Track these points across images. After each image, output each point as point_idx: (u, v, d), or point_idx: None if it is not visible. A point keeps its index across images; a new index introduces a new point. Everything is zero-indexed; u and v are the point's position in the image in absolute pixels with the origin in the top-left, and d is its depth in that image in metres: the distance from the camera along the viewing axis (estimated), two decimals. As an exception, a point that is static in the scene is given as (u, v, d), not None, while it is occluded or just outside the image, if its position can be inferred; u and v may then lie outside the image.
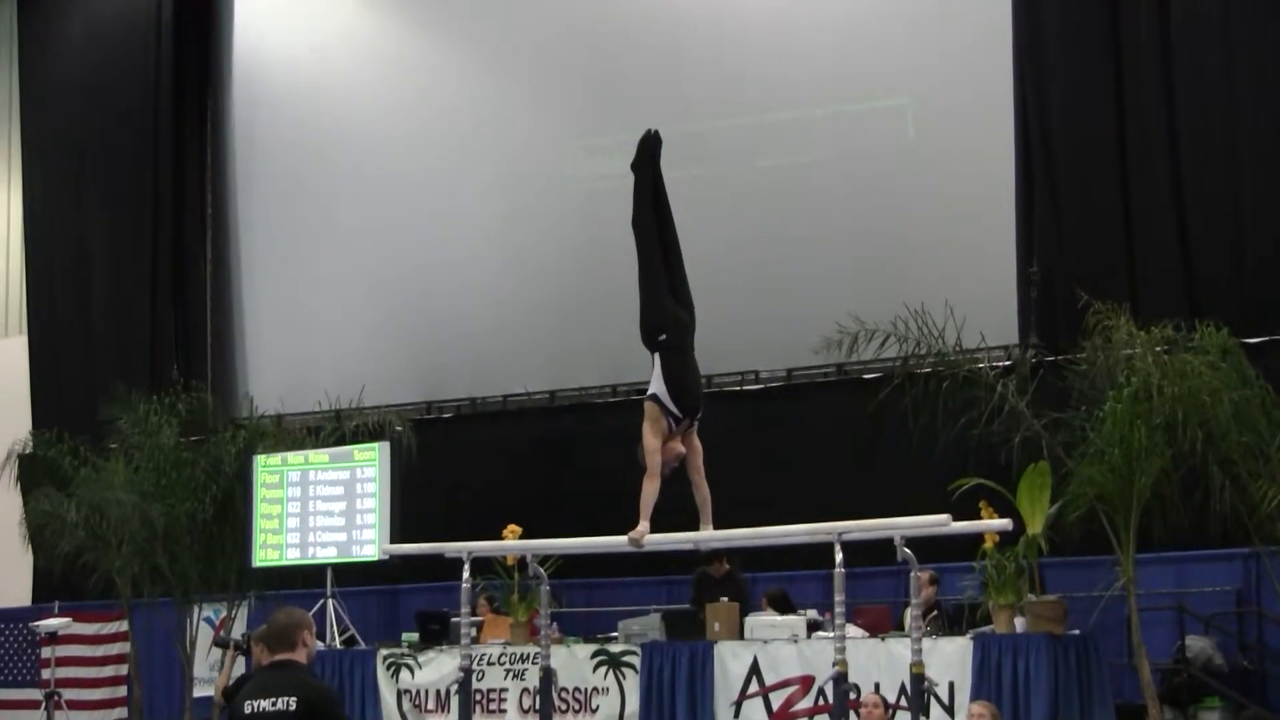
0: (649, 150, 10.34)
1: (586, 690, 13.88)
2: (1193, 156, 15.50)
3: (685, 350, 10.07)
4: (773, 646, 13.18)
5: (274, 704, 7.21)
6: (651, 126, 10.52)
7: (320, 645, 14.66)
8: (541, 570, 11.85)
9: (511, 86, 19.59)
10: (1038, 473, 12.62)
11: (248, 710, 7.30)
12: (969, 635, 12.57)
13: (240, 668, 13.56)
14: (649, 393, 9.92)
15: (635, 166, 10.40)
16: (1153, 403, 12.48)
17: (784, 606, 14.05)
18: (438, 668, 14.45)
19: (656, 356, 10.00)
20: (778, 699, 13.08)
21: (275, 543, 16.91)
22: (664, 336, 9.99)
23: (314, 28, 21.05)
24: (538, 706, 12.39)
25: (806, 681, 12.88)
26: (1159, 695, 12.91)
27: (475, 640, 13.10)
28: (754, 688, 13.19)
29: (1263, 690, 14.02)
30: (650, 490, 9.72)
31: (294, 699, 7.20)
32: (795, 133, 17.79)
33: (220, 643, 13.92)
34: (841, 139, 17.55)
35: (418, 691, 14.57)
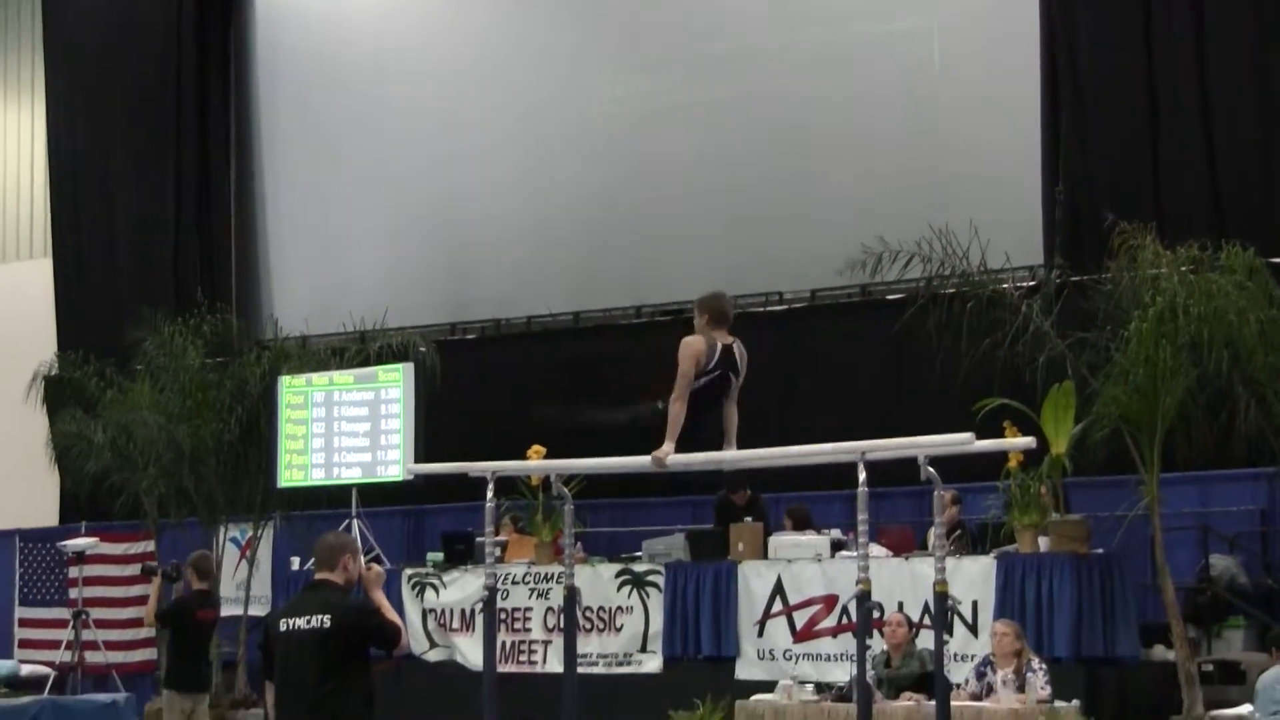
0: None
1: (611, 609, 13.98)
2: (1220, 76, 15.40)
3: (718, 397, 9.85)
4: (796, 566, 13.23)
5: (308, 622, 7.37)
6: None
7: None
8: (565, 490, 11.83)
9: (537, 8, 19.52)
10: (1062, 393, 12.59)
11: (283, 628, 7.43)
12: (992, 555, 12.61)
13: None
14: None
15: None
16: (1178, 323, 12.41)
17: (804, 523, 14.11)
18: (462, 587, 14.55)
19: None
20: (801, 618, 13.15)
21: (300, 463, 16.97)
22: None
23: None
24: (562, 625, 12.45)
25: (830, 601, 12.95)
26: (1183, 614, 12.91)
27: (500, 560, 13.15)
28: (778, 607, 13.26)
29: (1287, 609, 14.04)
30: (677, 411, 9.69)
31: (328, 616, 7.35)
32: (823, 54, 17.67)
33: (148, 570, 13.80)
34: (869, 60, 17.44)
35: (443, 611, 14.67)
